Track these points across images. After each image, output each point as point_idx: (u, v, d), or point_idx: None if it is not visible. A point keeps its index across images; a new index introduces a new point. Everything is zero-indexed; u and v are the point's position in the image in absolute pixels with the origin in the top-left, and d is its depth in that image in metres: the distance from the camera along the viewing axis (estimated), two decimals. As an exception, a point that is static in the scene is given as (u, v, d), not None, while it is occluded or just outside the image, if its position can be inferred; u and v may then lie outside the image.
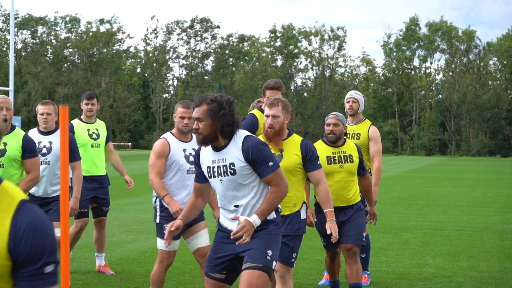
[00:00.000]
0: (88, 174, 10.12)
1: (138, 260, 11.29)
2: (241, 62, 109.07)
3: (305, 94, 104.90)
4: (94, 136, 10.37)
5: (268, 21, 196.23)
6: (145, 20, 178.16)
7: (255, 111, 8.44)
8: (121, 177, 10.81)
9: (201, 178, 6.22)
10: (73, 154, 8.97)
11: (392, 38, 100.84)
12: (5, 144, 8.29)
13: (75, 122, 10.43)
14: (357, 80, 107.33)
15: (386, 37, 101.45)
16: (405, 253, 12.45)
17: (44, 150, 8.97)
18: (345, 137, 8.50)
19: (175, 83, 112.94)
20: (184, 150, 7.86)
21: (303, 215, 7.18)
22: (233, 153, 5.89)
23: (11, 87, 25.59)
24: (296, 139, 7.20)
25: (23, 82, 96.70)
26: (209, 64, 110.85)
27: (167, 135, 7.97)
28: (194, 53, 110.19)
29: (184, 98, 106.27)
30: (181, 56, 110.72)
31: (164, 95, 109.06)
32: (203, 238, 7.86)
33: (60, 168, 2.96)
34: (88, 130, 10.39)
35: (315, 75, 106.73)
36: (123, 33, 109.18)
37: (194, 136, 7.60)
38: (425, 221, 17.53)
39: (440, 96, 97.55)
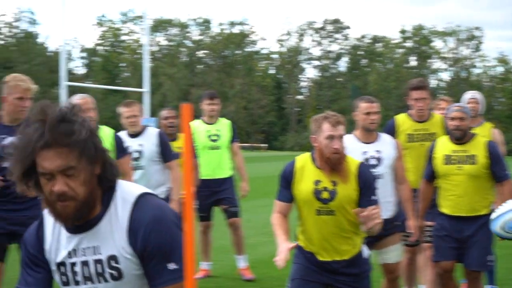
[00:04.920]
0: (208, 177, 9.81)
1: (271, 264, 11.00)
2: (375, 64, 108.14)
3: (438, 96, 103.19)
4: (213, 137, 9.96)
5: (397, 21, 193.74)
6: (277, 22, 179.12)
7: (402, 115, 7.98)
8: (256, 178, 10.53)
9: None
10: (169, 154, 8.64)
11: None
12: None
13: (196, 123, 10.04)
14: (493, 81, 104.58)
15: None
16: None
17: (136, 154, 8.44)
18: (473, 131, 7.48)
19: (308, 84, 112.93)
20: (365, 153, 7.04)
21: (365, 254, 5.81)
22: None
23: (147, 89, 26.00)
24: (351, 165, 5.57)
25: (159, 83, 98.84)
26: (342, 65, 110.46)
27: (346, 137, 7.35)
28: (326, 54, 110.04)
29: (317, 99, 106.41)
30: (314, 57, 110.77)
31: (298, 97, 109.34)
32: (391, 255, 7.11)
33: (184, 169, 2.72)
34: (208, 131, 9.98)
35: (450, 76, 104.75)
36: (256, 35, 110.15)
37: (381, 135, 7.25)
38: None
39: None
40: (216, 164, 9.97)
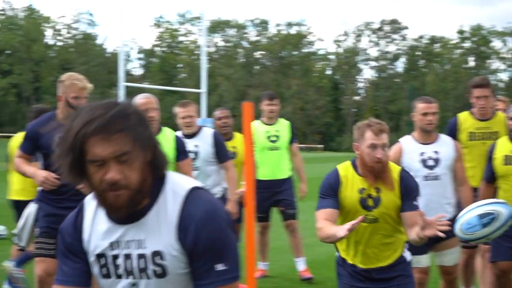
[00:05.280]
0: (267, 178, 9.76)
1: (328, 264, 10.97)
2: (433, 64, 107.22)
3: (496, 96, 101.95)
4: (272, 138, 9.87)
5: (455, 21, 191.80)
6: (334, 23, 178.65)
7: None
8: (312, 179, 10.48)
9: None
10: (224, 154, 8.57)
11: None
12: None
13: (255, 123, 9.90)
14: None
15: None
16: None
17: (192, 155, 8.21)
18: None
19: (365, 85, 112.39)
20: (422, 154, 7.00)
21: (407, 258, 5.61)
22: None
23: (204, 89, 26.08)
24: (393, 171, 5.36)
25: (215, 84, 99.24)
26: (399, 65, 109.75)
27: (404, 138, 7.26)
28: (384, 55, 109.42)
29: (374, 100, 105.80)
30: (371, 58, 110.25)
31: (355, 97, 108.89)
32: (449, 258, 7.08)
33: (245, 169, 2.71)
34: (267, 132, 9.90)
35: (509, 76, 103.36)
36: (314, 35, 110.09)
37: (440, 136, 7.14)
38: None
39: None
40: (275, 165, 9.91)
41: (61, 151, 2.63)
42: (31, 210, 6.67)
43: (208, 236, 2.63)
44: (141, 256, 2.71)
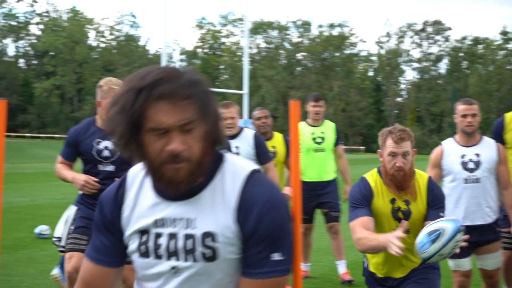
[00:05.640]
0: (312, 179, 9.75)
1: (371, 266, 10.99)
2: (476, 65, 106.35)
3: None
4: (318, 140, 9.85)
5: (499, 22, 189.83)
6: (377, 24, 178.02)
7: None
8: (354, 181, 10.39)
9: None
10: (265, 155, 8.48)
11: None
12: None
13: (301, 125, 9.89)
14: None
15: None
16: None
17: None
18: None
19: (407, 86, 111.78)
20: (463, 156, 6.90)
21: None
22: None
23: (246, 91, 26.13)
24: (420, 180, 5.22)
25: (257, 86, 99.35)
26: (442, 67, 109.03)
27: (446, 141, 7.17)
28: (427, 56, 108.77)
29: (416, 101, 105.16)
30: (414, 59, 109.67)
31: (397, 99, 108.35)
32: (490, 262, 7.00)
33: (291, 169, 2.70)
34: (313, 134, 9.88)
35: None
36: (356, 37, 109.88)
37: (484, 138, 7.02)
38: None
39: None
40: (321, 166, 9.88)
41: (116, 114, 2.36)
42: (70, 212, 6.72)
43: (270, 223, 2.42)
44: (189, 236, 2.46)
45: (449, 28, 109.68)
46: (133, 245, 2.57)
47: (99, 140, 6.28)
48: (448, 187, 6.92)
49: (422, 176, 5.20)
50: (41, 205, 18.34)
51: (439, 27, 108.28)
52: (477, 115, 6.89)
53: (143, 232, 2.53)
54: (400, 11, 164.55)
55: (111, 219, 2.62)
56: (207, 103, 2.38)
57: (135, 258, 2.57)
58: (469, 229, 6.64)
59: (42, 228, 13.07)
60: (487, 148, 6.95)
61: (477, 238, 6.73)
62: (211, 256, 2.44)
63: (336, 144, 10.00)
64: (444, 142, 7.16)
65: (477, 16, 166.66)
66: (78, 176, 6.21)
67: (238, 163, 2.54)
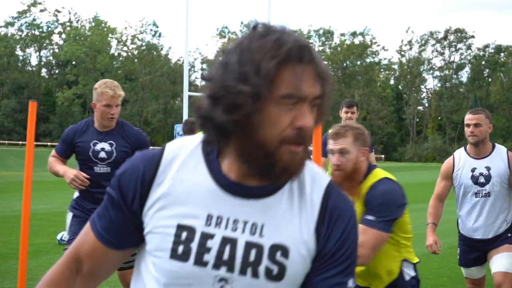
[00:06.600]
0: None
1: (424, 265, 11.00)
2: (499, 74, 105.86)
3: None
4: None
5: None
6: (398, 32, 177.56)
7: None
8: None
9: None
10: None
11: None
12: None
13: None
14: None
15: None
16: None
17: None
18: None
19: (428, 94, 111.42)
20: (473, 170, 6.63)
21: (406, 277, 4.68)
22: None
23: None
24: (369, 180, 4.59)
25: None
26: (464, 75, 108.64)
27: (457, 152, 6.93)
28: (448, 65, 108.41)
29: (438, 110, 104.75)
30: (435, 68, 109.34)
31: (418, 107, 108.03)
32: (496, 263, 6.68)
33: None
34: None
35: None
36: (378, 45, 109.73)
37: (496, 148, 6.70)
38: None
39: None
40: None
41: (240, 69, 1.81)
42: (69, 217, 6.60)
43: (352, 242, 1.98)
44: (252, 245, 1.90)
45: (472, 36, 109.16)
46: (164, 242, 1.93)
47: (96, 141, 6.25)
48: (460, 200, 6.79)
49: (375, 177, 4.60)
50: (62, 212, 18.46)
51: (461, 35, 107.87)
52: (481, 125, 6.57)
53: (185, 228, 1.91)
54: (422, 19, 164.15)
55: (132, 202, 1.98)
56: (330, 85, 1.92)
57: (161, 258, 1.94)
58: (480, 242, 6.68)
59: (63, 235, 13.20)
60: (498, 160, 6.68)
61: (488, 247, 6.69)
62: (277, 275, 1.90)
63: (369, 151, 10.01)
64: (456, 153, 6.94)
65: (501, 24, 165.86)
66: (69, 170, 6.11)
67: (313, 168, 2.06)
